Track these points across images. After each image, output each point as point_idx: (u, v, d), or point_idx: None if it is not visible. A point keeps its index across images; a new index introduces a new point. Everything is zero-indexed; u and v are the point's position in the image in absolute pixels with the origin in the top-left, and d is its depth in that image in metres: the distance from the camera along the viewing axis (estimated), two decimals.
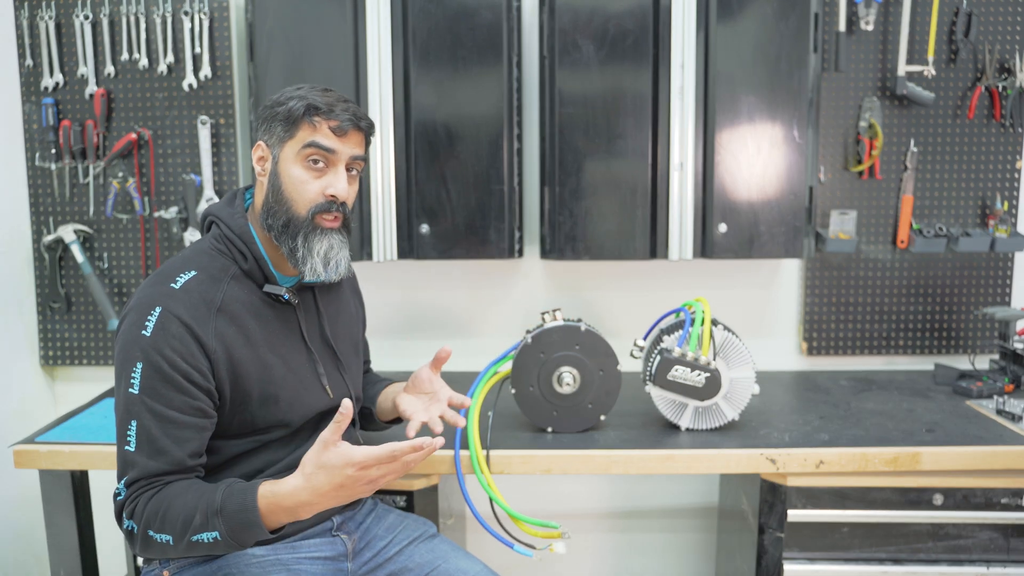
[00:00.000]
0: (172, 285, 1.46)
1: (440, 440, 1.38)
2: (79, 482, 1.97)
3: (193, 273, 1.49)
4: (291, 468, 1.44)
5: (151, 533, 1.39)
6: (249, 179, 2.40)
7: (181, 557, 1.49)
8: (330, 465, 1.34)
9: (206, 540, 1.36)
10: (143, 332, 1.42)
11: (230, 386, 1.49)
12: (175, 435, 1.42)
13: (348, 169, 1.54)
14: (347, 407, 1.35)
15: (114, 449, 1.85)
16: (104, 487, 2.33)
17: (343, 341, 1.71)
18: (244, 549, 1.45)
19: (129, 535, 1.43)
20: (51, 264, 2.46)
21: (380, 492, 1.91)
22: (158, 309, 1.43)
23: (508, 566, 2.02)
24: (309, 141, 1.48)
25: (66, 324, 2.50)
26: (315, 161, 1.50)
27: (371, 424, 1.86)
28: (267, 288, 1.54)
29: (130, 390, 1.41)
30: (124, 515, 1.42)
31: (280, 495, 1.37)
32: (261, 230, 1.55)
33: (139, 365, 1.41)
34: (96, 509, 2.06)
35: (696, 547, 2.65)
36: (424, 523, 1.80)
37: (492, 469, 1.83)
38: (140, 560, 1.99)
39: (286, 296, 1.55)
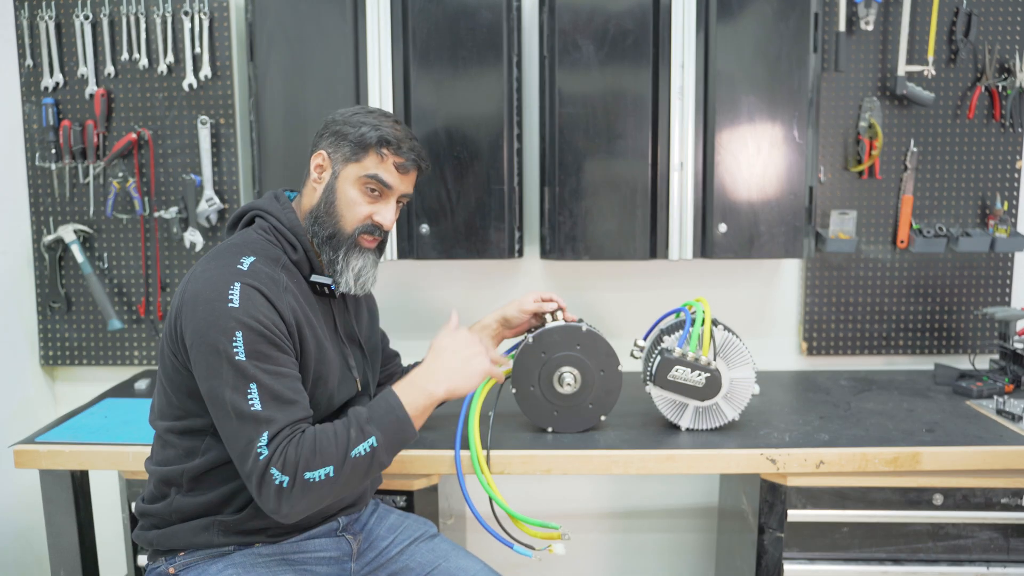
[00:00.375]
0: (239, 267, 1.50)
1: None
2: (79, 482, 1.97)
3: (253, 258, 1.53)
4: None
5: (308, 475, 1.41)
6: (249, 179, 2.40)
7: (335, 496, 1.48)
8: (444, 338, 1.61)
9: (364, 451, 1.45)
10: (230, 304, 1.45)
11: (299, 359, 1.54)
12: (292, 387, 1.47)
13: (397, 202, 1.66)
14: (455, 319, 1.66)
15: (114, 449, 1.89)
16: (104, 487, 2.33)
17: (366, 339, 1.77)
18: (393, 457, 1.51)
19: (278, 492, 1.40)
20: (51, 264, 2.46)
21: (380, 492, 1.91)
22: (237, 284, 1.47)
23: (508, 566, 2.02)
24: (373, 173, 1.60)
25: (66, 324, 2.50)
26: (372, 190, 1.61)
27: None
28: (314, 278, 1.62)
29: (237, 357, 1.43)
30: (273, 470, 1.40)
31: (412, 376, 1.55)
32: (307, 232, 1.64)
33: (239, 333, 1.43)
34: (96, 509, 2.06)
35: (696, 547, 2.65)
36: (425, 523, 1.81)
37: (492, 469, 1.83)
38: (141, 560, 2.00)
39: (332, 287, 1.62)
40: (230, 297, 1.45)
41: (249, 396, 1.42)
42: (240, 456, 1.43)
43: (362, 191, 1.61)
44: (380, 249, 1.67)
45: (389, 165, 1.61)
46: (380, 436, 1.46)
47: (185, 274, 1.60)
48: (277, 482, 1.40)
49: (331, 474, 1.42)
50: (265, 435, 1.41)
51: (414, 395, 1.52)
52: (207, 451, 1.54)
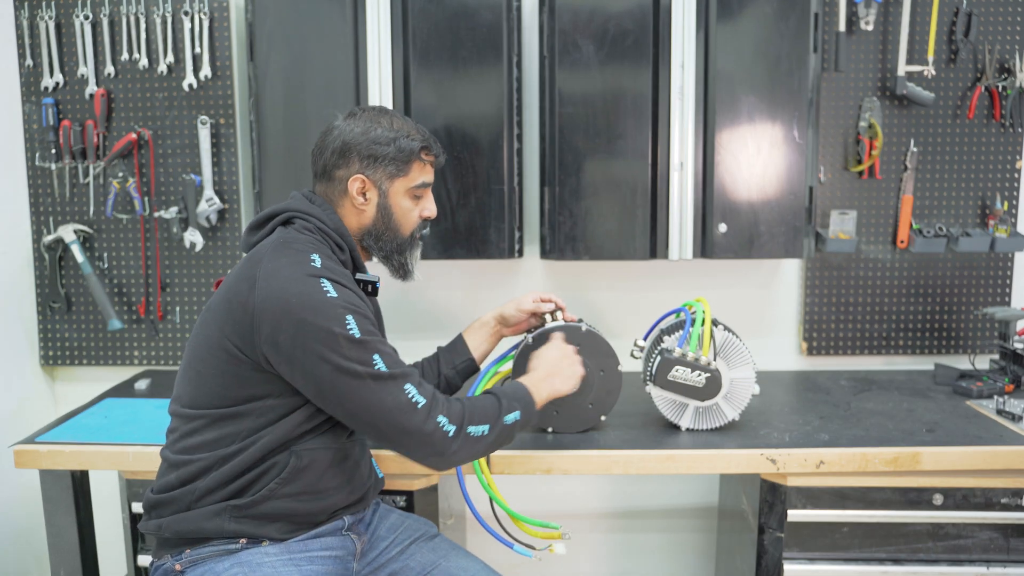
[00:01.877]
0: (313, 263, 1.55)
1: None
2: (79, 482, 1.97)
3: (319, 256, 1.58)
4: (339, 455, 1.62)
5: (471, 429, 1.55)
6: (249, 179, 2.40)
7: (480, 455, 1.63)
8: (554, 346, 1.82)
9: (512, 420, 1.61)
10: (329, 295, 1.51)
11: None
12: (399, 359, 1.57)
13: None
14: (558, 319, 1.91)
15: (114, 449, 1.89)
16: (104, 487, 2.33)
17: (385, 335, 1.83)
18: (517, 434, 1.66)
19: (444, 439, 1.52)
20: (51, 264, 2.46)
21: (381, 492, 1.91)
22: (323, 279, 1.53)
23: (508, 566, 2.02)
24: (422, 182, 1.73)
25: (66, 324, 2.50)
26: (418, 196, 1.74)
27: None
28: (359, 276, 1.70)
29: (356, 336, 1.50)
30: (441, 418, 1.52)
31: (530, 372, 1.76)
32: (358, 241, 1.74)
33: (349, 317, 1.51)
34: (96, 509, 2.06)
35: (696, 547, 2.65)
36: (425, 523, 1.81)
37: (492, 469, 1.84)
38: (142, 560, 2.00)
39: (378, 284, 1.72)
40: (325, 290, 1.51)
41: (376, 364, 1.51)
42: (390, 414, 1.51)
43: (412, 199, 1.72)
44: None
45: (428, 167, 1.74)
46: (523, 411, 1.63)
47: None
48: (444, 429, 1.52)
49: (485, 432, 1.57)
50: (410, 387, 1.52)
51: (540, 387, 1.70)
52: (246, 437, 1.55)
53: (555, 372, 1.75)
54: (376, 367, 1.50)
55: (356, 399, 1.50)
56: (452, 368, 1.93)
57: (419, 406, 1.51)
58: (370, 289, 1.70)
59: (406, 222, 1.73)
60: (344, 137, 1.67)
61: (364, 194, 1.68)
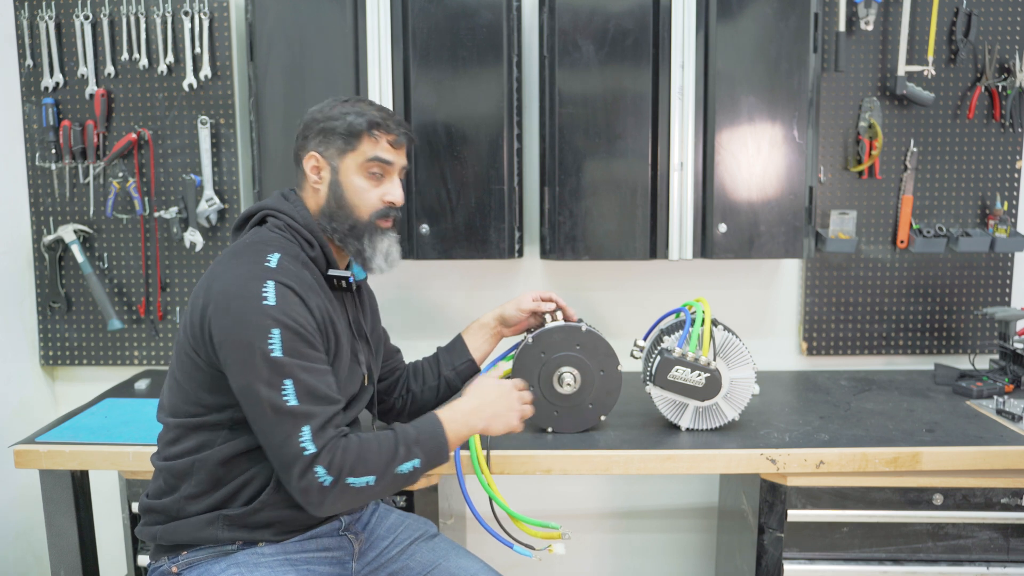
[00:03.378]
0: (267, 264, 1.52)
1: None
2: (79, 482, 1.97)
3: (278, 255, 1.54)
4: None
5: (350, 480, 1.45)
6: (249, 179, 2.40)
7: (366, 501, 1.56)
8: (491, 382, 1.69)
9: (408, 469, 1.51)
10: (265, 302, 1.47)
11: (325, 352, 1.56)
12: (326, 382, 1.50)
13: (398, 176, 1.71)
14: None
15: (114, 449, 1.89)
16: (104, 487, 2.33)
17: (372, 334, 1.80)
18: (422, 476, 1.57)
19: (319, 489, 1.44)
20: (51, 264, 2.46)
21: None
22: (270, 282, 1.49)
23: (508, 566, 2.02)
24: (373, 156, 1.64)
25: (66, 324, 2.50)
26: (374, 173, 1.65)
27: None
28: (332, 272, 1.65)
29: (273, 354, 1.45)
30: (318, 468, 1.43)
31: (456, 406, 1.63)
32: (320, 228, 1.66)
33: (275, 331, 1.46)
34: (96, 509, 2.06)
35: (696, 547, 2.65)
36: (425, 523, 1.81)
37: (492, 469, 1.83)
38: (141, 560, 2.00)
39: (351, 279, 1.65)
40: (264, 295, 1.47)
41: (284, 392, 1.44)
42: (278, 449, 1.45)
43: (366, 176, 1.65)
44: (396, 228, 1.72)
45: (384, 144, 1.65)
46: (423, 458, 1.52)
47: (202, 273, 1.63)
48: (320, 480, 1.43)
49: (372, 483, 1.47)
50: (307, 430, 1.44)
51: (458, 425, 1.59)
52: (223, 443, 1.55)
53: (485, 409, 1.63)
54: (283, 394, 1.44)
55: (255, 419, 1.47)
56: (452, 370, 1.93)
57: (304, 453, 1.43)
58: (344, 285, 1.66)
59: (360, 202, 1.65)
60: (305, 119, 1.67)
61: (319, 173, 1.65)
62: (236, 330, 1.46)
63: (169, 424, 1.61)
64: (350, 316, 1.70)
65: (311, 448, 1.43)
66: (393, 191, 1.68)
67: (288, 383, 1.45)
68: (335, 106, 1.65)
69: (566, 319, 1.92)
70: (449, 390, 1.93)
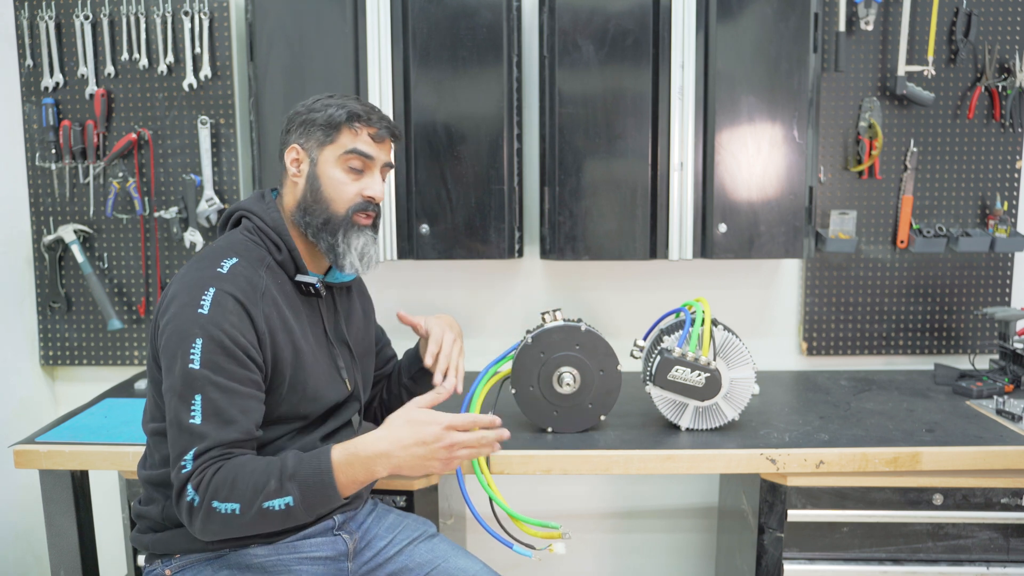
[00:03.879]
0: (219, 269, 1.50)
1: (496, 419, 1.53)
2: (79, 482, 1.97)
3: (235, 259, 1.52)
4: None
5: (215, 504, 1.39)
6: (249, 179, 2.40)
7: (244, 532, 1.43)
8: (418, 420, 1.46)
9: (277, 507, 1.39)
10: (199, 311, 1.44)
11: (271, 368, 1.53)
12: (241, 405, 1.44)
13: (380, 172, 1.65)
14: (449, 386, 1.62)
15: (114, 449, 1.89)
16: (104, 487, 2.34)
17: (357, 341, 1.75)
18: (314, 517, 1.46)
19: (189, 509, 1.41)
20: (51, 264, 2.46)
21: (380, 492, 1.91)
22: (212, 289, 1.46)
23: (508, 566, 2.02)
24: (352, 148, 1.59)
25: (66, 324, 2.50)
26: (353, 167, 1.60)
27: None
28: (299, 277, 1.60)
29: (190, 366, 1.42)
30: (188, 487, 1.40)
31: (358, 446, 1.43)
32: (293, 226, 1.62)
33: (199, 341, 1.42)
34: (96, 509, 2.06)
35: (696, 547, 2.65)
36: (424, 523, 1.81)
37: (492, 469, 1.83)
38: (141, 560, 2.00)
39: (318, 285, 1.61)
40: (201, 303, 1.45)
41: (192, 408, 1.41)
42: (172, 464, 1.44)
43: (344, 169, 1.60)
44: (375, 227, 1.65)
45: (364, 136, 1.60)
46: (299, 497, 1.40)
47: None
48: (188, 499, 1.40)
49: (236, 512, 1.39)
50: (193, 450, 1.41)
51: (354, 468, 1.43)
52: None
53: (394, 456, 1.44)
54: (191, 410, 1.41)
55: (167, 429, 1.46)
56: (409, 378, 1.87)
57: (182, 471, 1.40)
58: (313, 291, 1.61)
59: (337, 196, 1.59)
60: (289, 114, 1.64)
61: (298, 165, 1.61)
62: (168, 336, 1.46)
63: (149, 431, 1.61)
64: (326, 323, 1.66)
65: (188, 467, 1.40)
66: (373, 186, 1.61)
67: (197, 399, 1.41)
68: (319, 100, 1.62)
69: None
70: (411, 397, 1.80)
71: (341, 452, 1.44)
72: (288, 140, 1.63)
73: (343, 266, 1.61)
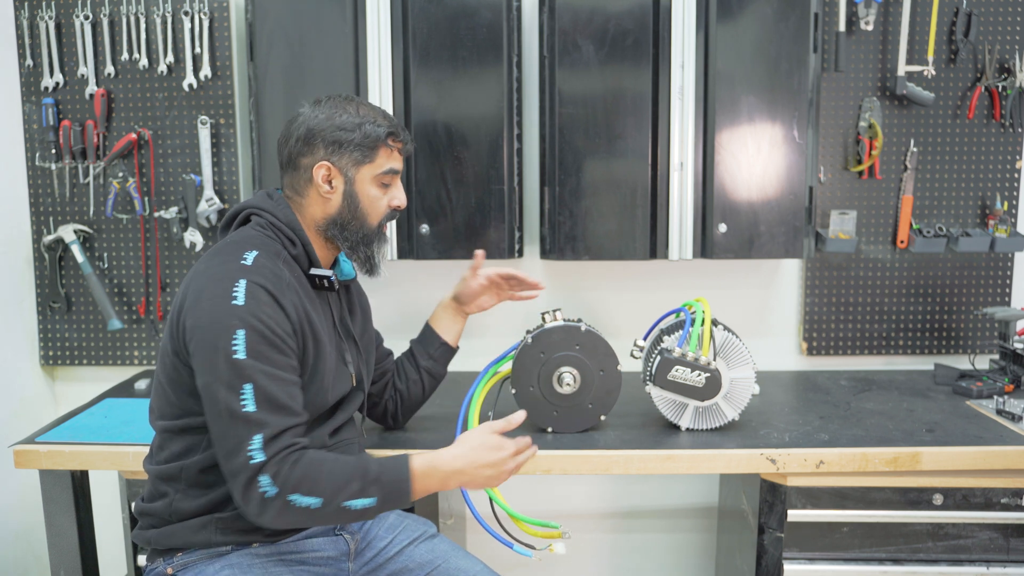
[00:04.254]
0: (243, 262, 1.51)
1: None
2: (79, 482, 1.97)
3: (256, 252, 1.53)
4: None
5: (294, 497, 1.41)
6: (249, 179, 2.40)
7: (313, 524, 1.50)
8: (493, 445, 1.53)
9: (357, 507, 1.44)
10: (234, 302, 1.45)
11: (298, 358, 1.54)
12: (288, 392, 1.47)
13: None
14: (519, 416, 1.59)
15: (114, 449, 1.89)
16: (104, 487, 2.33)
17: (360, 336, 1.77)
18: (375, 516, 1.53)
19: (261, 500, 1.41)
20: (51, 264, 2.46)
21: None
22: (243, 281, 1.47)
23: (508, 566, 2.02)
24: (389, 168, 1.65)
25: (66, 324, 2.50)
26: (385, 183, 1.67)
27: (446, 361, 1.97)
28: (314, 271, 1.63)
29: (235, 356, 1.43)
30: (262, 478, 1.40)
31: (439, 461, 1.50)
32: (308, 227, 1.65)
33: (241, 332, 1.43)
34: (96, 509, 2.06)
35: (696, 547, 2.65)
36: (424, 523, 1.81)
37: None
38: (141, 560, 2.00)
39: (332, 279, 1.63)
40: (234, 294, 1.45)
41: (243, 397, 1.42)
42: (228, 455, 1.43)
43: (378, 186, 1.66)
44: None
45: (396, 154, 1.66)
46: (380, 500, 1.46)
47: (186, 273, 1.62)
48: (262, 491, 1.40)
49: (316, 507, 1.42)
50: (258, 438, 1.41)
51: (430, 480, 1.50)
52: (207, 448, 1.54)
53: (468, 473, 1.52)
54: (242, 399, 1.41)
55: (211, 421, 1.45)
56: (428, 358, 1.93)
57: (251, 462, 1.40)
58: (326, 284, 1.63)
59: (373, 211, 1.66)
60: (308, 124, 1.62)
61: (330, 182, 1.62)
62: (203, 329, 1.45)
63: (157, 428, 1.61)
64: (335, 316, 1.68)
65: (259, 457, 1.40)
66: (399, 196, 1.69)
67: (248, 387, 1.42)
68: (340, 113, 1.62)
69: (530, 287, 1.92)
70: (432, 379, 1.94)
71: (421, 463, 1.49)
72: (315, 156, 1.62)
73: (378, 274, 1.70)
